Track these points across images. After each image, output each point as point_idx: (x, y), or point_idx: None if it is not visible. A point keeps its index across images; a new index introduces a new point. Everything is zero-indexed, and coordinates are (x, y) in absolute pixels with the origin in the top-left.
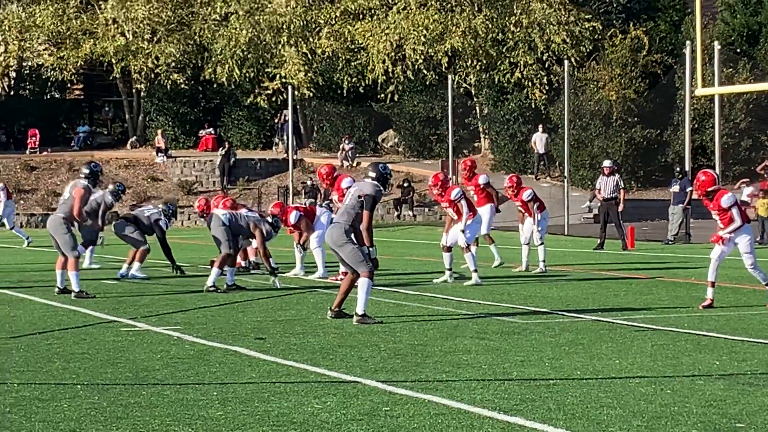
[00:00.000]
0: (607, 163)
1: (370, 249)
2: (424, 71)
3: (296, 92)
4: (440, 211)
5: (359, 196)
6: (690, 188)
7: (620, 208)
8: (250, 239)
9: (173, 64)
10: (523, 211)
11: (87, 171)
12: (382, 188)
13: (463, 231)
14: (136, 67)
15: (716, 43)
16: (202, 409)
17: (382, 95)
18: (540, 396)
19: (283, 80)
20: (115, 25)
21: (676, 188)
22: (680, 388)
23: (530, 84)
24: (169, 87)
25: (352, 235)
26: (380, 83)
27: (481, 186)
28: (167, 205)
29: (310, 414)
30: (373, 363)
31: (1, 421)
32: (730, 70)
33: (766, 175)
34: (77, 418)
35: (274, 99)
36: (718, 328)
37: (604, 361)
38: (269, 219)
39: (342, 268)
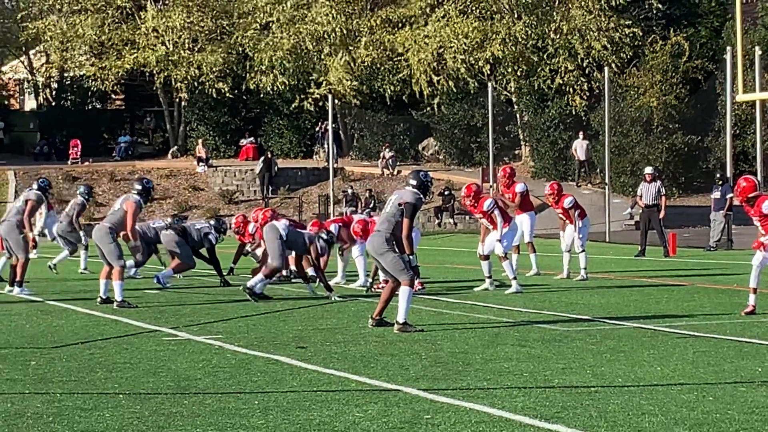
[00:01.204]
0: (648, 169)
1: (411, 257)
2: (467, 78)
3: (339, 101)
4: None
5: (399, 204)
6: (731, 194)
7: (661, 215)
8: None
9: (216, 73)
10: (564, 218)
11: (140, 187)
12: (422, 196)
13: (499, 240)
14: (178, 77)
15: (757, 48)
16: (244, 418)
17: (426, 107)
18: (581, 403)
19: (331, 87)
20: (156, 35)
21: (717, 194)
22: (722, 396)
23: (571, 90)
24: (213, 95)
25: (394, 244)
26: (426, 95)
27: (519, 194)
28: (219, 222)
29: (352, 422)
30: (414, 371)
31: (45, 431)
32: None
33: None
34: (120, 428)
35: (320, 104)
36: (761, 334)
37: (646, 368)
38: (324, 236)
39: (382, 276)
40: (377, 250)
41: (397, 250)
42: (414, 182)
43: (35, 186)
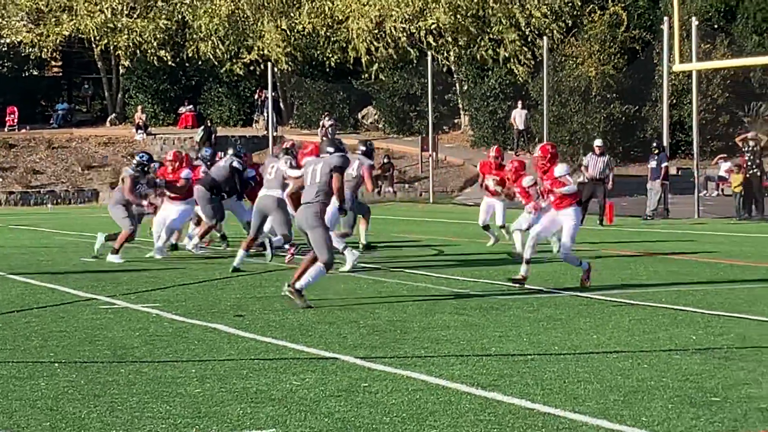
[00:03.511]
0: (598, 142)
1: (343, 205)
2: (408, 47)
3: (275, 67)
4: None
5: (329, 171)
6: (666, 163)
7: (609, 187)
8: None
9: (158, 40)
10: (523, 197)
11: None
12: (347, 157)
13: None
14: (119, 44)
15: (694, 18)
16: (180, 386)
17: (365, 74)
18: (518, 371)
19: (261, 53)
20: (94, 1)
21: (653, 164)
22: (657, 363)
23: (515, 60)
24: (155, 63)
25: (324, 217)
26: (364, 62)
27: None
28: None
29: (289, 390)
30: (352, 339)
31: None
32: (708, 45)
33: (744, 149)
34: (55, 396)
35: (252, 69)
36: (695, 302)
37: (582, 336)
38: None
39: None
40: (310, 223)
41: (327, 223)
42: (332, 149)
43: (135, 161)
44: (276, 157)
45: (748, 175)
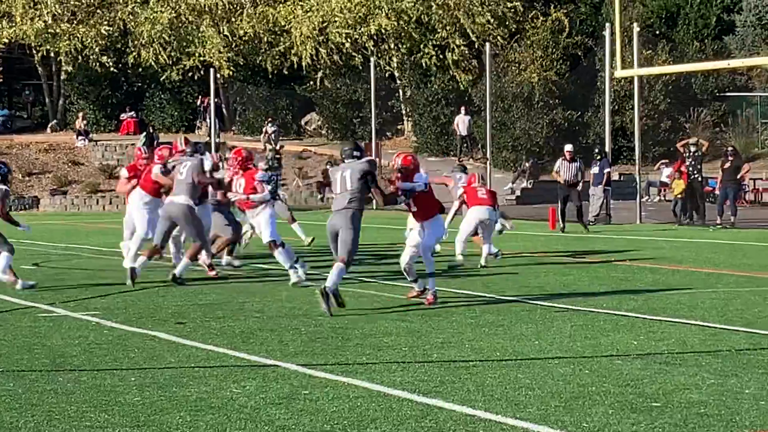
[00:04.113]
0: (568, 147)
1: (400, 196)
2: (352, 53)
3: (217, 73)
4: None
5: (360, 177)
6: (608, 169)
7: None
8: None
9: (101, 47)
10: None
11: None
12: (374, 159)
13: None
14: (60, 50)
15: (635, 25)
16: (120, 395)
17: (308, 79)
18: (459, 378)
19: (201, 59)
20: (34, 8)
21: (595, 169)
22: (598, 368)
23: (458, 67)
24: (98, 69)
25: (359, 220)
26: (305, 67)
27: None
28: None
29: (229, 398)
30: (294, 346)
31: None
32: (650, 52)
33: (686, 155)
34: None
35: (192, 75)
36: (636, 308)
37: (524, 342)
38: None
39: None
40: (347, 224)
41: (360, 226)
42: (358, 153)
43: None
44: (189, 155)
45: (689, 181)
